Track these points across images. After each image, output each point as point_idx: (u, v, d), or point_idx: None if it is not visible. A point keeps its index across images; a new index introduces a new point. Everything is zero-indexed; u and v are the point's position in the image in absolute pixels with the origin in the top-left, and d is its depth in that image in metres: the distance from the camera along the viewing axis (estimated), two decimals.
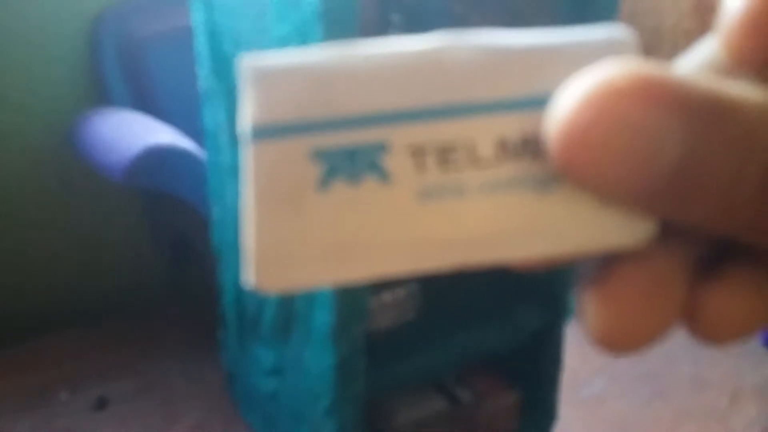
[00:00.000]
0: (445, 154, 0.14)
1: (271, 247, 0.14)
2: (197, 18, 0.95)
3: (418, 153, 0.14)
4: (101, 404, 1.21)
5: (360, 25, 0.75)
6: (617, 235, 0.14)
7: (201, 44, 0.96)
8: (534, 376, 1.08)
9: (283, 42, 0.77)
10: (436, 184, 0.14)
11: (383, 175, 0.14)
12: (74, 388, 1.25)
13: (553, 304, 1.03)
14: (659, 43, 1.54)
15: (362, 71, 0.14)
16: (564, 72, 0.14)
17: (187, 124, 1.14)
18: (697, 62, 0.15)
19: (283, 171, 0.14)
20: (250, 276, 0.14)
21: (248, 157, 0.14)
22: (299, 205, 0.14)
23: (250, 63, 0.14)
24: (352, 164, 0.14)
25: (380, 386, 0.92)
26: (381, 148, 0.14)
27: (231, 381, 1.16)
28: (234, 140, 0.93)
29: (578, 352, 1.29)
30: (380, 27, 0.94)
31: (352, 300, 0.83)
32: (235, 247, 1.00)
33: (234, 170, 0.95)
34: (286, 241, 0.14)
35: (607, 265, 0.15)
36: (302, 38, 0.74)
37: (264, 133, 0.14)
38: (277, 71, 0.14)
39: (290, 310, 0.92)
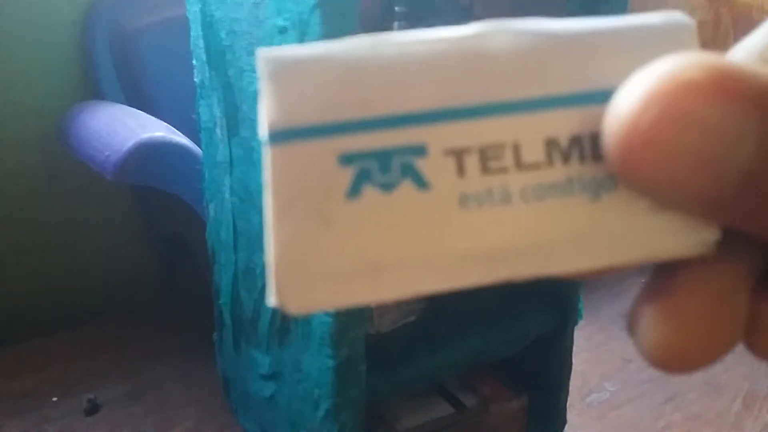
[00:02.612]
0: (488, 157, 0.13)
1: (296, 262, 0.13)
2: (192, 8, 0.93)
3: (458, 156, 0.13)
4: (92, 409, 1.19)
5: (361, 16, 0.74)
6: (677, 243, 0.13)
7: (196, 35, 0.94)
8: (541, 381, 1.06)
9: (280, 33, 0.76)
10: (479, 190, 0.13)
11: (420, 180, 0.13)
12: (64, 392, 1.23)
13: (562, 307, 1.01)
14: None
15: (395, 65, 0.13)
16: (620, 64, 0.13)
17: (182, 118, 1.12)
18: (755, 54, 0.14)
19: (307, 177, 0.13)
20: (272, 295, 0.13)
21: (267, 162, 0.13)
22: (327, 215, 0.13)
23: (268, 56, 0.13)
24: (385, 169, 0.13)
25: (381, 391, 0.90)
26: (417, 150, 0.13)
27: (227, 385, 1.14)
28: (230, 135, 0.91)
29: (587, 356, 1.28)
30: (383, 19, 0.92)
31: None
32: (230, 246, 0.98)
33: (230, 166, 0.93)
34: (312, 256, 0.13)
35: (664, 275, 0.14)
36: (300, 29, 0.73)
37: (285, 135, 0.13)
38: (298, 66, 0.13)
39: None
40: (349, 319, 0.81)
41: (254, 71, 0.83)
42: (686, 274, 0.14)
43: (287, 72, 0.13)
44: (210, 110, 0.95)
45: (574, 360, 1.06)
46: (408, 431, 0.95)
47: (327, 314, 0.81)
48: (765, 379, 1.28)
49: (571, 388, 1.07)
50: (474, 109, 0.13)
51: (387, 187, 0.13)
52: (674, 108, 0.11)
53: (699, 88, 0.11)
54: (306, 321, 0.86)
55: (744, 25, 1.39)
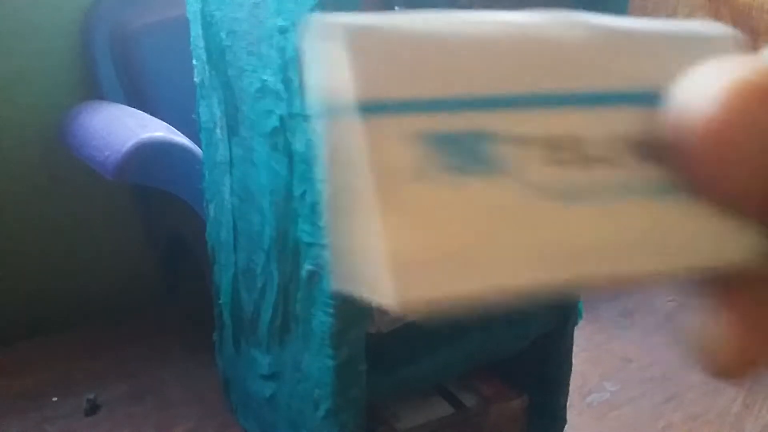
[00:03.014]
0: (553, 150, 0.13)
1: (403, 253, 0.11)
2: (192, 8, 0.93)
3: (526, 145, 0.13)
4: (93, 409, 1.19)
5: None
6: (738, 250, 0.13)
7: (196, 35, 0.94)
8: (541, 381, 1.05)
9: (280, 33, 0.76)
10: (545, 183, 0.13)
11: (492, 167, 0.12)
12: (65, 392, 1.23)
13: (562, 307, 1.01)
14: None
15: (470, 45, 0.13)
16: (680, 65, 0.13)
17: (182, 118, 1.12)
18: None
19: (394, 156, 0.12)
20: (383, 293, 0.11)
21: (355, 138, 0.12)
22: (413, 200, 0.12)
23: (343, 22, 0.12)
24: (459, 152, 0.12)
25: (382, 391, 0.90)
26: (488, 137, 0.13)
27: (227, 385, 1.14)
28: (230, 135, 0.91)
29: (587, 356, 1.28)
30: None
31: (353, 301, 0.80)
32: (230, 246, 0.98)
33: (230, 166, 0.93)
34: (413, 245, 0.11)
35: (724, 282, 0.14)
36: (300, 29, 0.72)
37: (372, 108, 0.12)
38: (374, 37, 0.12)
39: (288, 311, 0.90)
40: (349, 319, 0.81)
41: (254, 71, 0.82)
42: (743, 281, 0.14)
43: (365, 43, 0.12)
44: (210, 110, 0.95)
45: (574, 360, 1.05)
46: (408, 431, 0.94)
47: (327, 314, 0.80)
48: (765, 379, 1.27)
49: (571, 388, 1.07)
50: (544, 98, 0.13)
51: (460, 171, 0.12)
52: (747, 113, 0.11)
53: (762, 92, 0.11)
54: (306, 321, 0.85)
55: (744, 25, 1.38)
